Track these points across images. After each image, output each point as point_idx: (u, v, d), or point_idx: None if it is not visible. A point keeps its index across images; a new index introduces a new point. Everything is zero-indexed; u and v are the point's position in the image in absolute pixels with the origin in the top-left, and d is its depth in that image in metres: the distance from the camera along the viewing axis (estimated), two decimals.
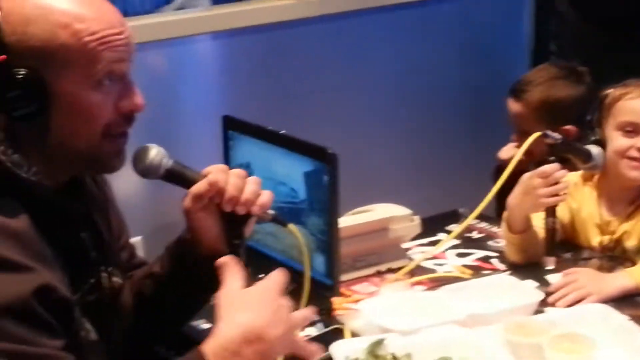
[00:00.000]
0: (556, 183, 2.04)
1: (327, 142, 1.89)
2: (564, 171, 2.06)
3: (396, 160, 3.39)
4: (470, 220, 2.14)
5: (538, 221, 2.10)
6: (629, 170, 2.09)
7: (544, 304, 1.85)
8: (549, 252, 2.09)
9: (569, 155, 2.13)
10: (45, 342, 1.27)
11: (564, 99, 2.50)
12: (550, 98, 2.49)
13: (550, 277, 2.03)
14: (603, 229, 2.17)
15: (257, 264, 1.97)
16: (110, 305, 1.51)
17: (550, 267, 2.07)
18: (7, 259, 1.27)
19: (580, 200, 2.20)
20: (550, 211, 2.07)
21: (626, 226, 2.13)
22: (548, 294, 1.91)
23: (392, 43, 3.54)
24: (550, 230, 2.07)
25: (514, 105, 2.55)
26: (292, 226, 1.59)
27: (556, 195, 2.05)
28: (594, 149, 2.11)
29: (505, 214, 2.11)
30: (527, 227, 2.09)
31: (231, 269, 1.37)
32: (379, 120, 3.48)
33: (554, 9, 3.53)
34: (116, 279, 1.54)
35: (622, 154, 2.09)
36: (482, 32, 3.76)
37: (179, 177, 1.51)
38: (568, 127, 2.41)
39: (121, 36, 1.38)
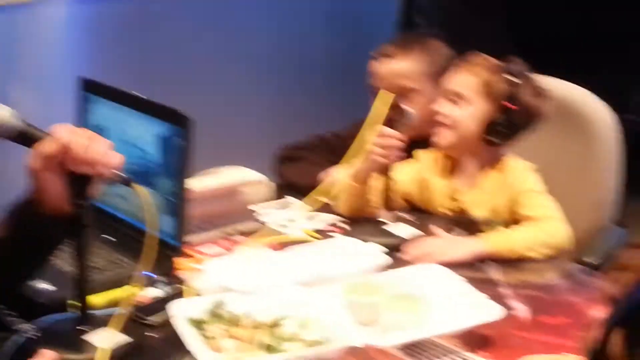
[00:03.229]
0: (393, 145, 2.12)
1: (187, 108, 1.90)
2: (395, 133, 2.13)
3: (259, 126, 3.44)
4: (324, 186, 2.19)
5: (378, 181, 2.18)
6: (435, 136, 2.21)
7: (393, 265, 1.91)
8: (385, 206, 2.15)
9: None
10: None
11: None
12: None
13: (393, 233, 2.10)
14: (452, 198, 2.25)
15: (107, 225, 2.00)
16: None
17: (387, 220, 2.13)
18: None
19: (431, 171, 2.28)
20: (388, 167, 2.13)
21: (473, 196, 2.22)
22: (394, 253, 1.99)
23: (259, 12, 3.56)
24: (387, 186, 2.14)
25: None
26: (137, 186, 1.60)
27: (388, 156, 2.13)
28: (410, 109, 2.18)
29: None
30: (367, 179, 2.17)
31: None
32: (244, 86, 3.51)
33: None
34: None
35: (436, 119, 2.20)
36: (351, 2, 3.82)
37: (24, 136, 1.50)
38: None
39: None
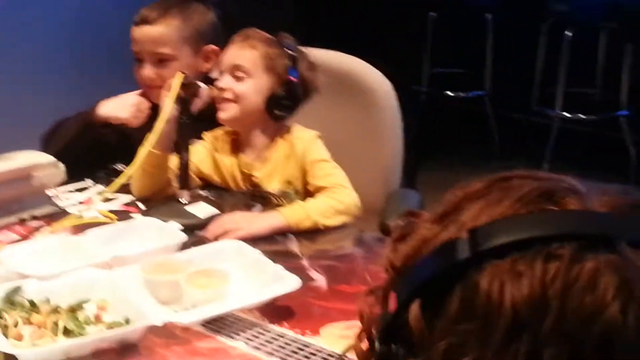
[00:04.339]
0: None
1: None
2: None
3: (48, 107, 3.36)
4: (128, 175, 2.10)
5: (174, 161, 2.18)
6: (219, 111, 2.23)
7: (193, 243, 1.92)
8: (182, 186, 2.15)
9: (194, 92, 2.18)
10: None
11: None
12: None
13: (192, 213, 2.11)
14: (244, 174, 2.27)
15: None
16: None
17: (185, 200, 2.14)
18: None
19: (220, 149, 2.30)
20: (184, 147, 2.14)
21: (264, 170, 2.25)
22: (194, 232, 2.01)
23: None
24: (184, 165, 2.14)
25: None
26: None
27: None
28: (204, 85, 2.20)
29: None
30: (170, 147, 2.16)
31: None
32: (23, 68, 3.43)
33: None
34: None
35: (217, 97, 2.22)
36: None
37: None
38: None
39: None
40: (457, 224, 0.81)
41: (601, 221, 0.77)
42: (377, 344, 0.83)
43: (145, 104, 2.36)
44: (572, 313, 0.72)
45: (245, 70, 2.19)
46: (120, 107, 2.38)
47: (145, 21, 2.40)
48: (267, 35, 2.24)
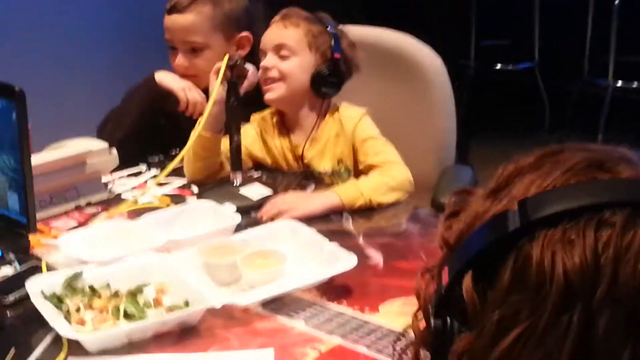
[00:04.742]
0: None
1: (19, 82, 1.85)
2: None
3: (97, 94, 3.39)
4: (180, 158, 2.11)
5: (225, 144, 2.19)
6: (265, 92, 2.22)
7: (248, 225, 1.92)
8: (235, 168, 2.15)
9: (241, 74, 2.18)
10: None
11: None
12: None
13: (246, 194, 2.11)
14: (295, 155, 2.28)
15: None
16: None
17: (238, 181, 2.14)
18: None
19: (269, 131, 2.30)
20: (234, 129, 2.13)
21: (314, 149, 2.25)
22: (249, 213, 2.01)
23: None
24: (235, 147, 2.13)
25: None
26: None
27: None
28: (251, 67, 2.20)
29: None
30: (220, 129, 2.17)
31: None
32: (73, 57, 3.44)
33: None
34: None
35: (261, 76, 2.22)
36: None
37: None
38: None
39: None
40: (508, 198, 0.81)
41: None
42: (432, 319, 0.84)
43: (197, 92, 2.36)
44: (625, 280, 0.72)
45: (289, 49, 2.18)
46: (175, 80, 2.41)
47: (175, 9, 2.39)
48: (307, 13, 2.23)
